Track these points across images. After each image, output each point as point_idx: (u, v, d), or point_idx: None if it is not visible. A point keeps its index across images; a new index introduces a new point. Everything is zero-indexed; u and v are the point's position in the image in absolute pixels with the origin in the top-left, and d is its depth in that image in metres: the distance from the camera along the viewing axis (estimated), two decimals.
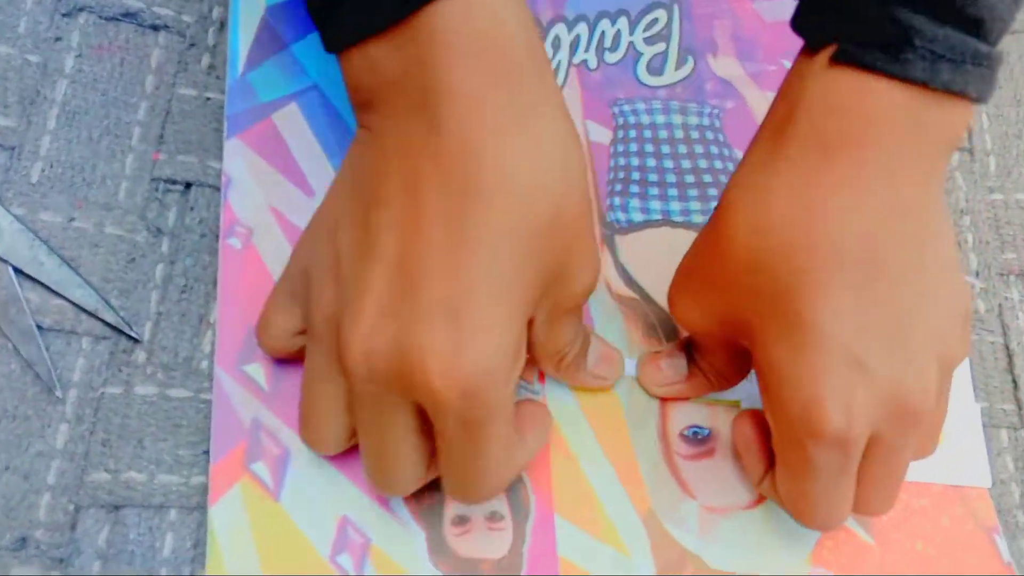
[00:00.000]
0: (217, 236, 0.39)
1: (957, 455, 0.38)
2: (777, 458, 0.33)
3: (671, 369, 0.38)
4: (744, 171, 0.32)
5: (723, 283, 0.32)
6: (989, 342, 0.42)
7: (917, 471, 0.37)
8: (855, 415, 0.29)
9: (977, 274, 0.44)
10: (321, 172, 0.40)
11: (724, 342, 0.35)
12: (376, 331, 0.29)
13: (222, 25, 0.44)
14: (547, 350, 0.34)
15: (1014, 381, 0.41)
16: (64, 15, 0.42)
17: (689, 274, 0.35)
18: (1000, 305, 0.43)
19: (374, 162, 0.31)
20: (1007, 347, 0.42)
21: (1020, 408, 0.41)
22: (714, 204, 0.38)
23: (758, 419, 0.35)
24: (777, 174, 0.30)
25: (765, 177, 0.31)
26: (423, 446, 0.32)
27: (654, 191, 0.42)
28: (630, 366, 0.38)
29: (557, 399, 0.38)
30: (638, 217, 0.42)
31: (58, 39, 0.42)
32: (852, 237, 0.29)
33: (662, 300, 0.40)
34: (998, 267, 0.44)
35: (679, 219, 0.42)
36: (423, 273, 0.29)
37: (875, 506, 0.33)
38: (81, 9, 0.43)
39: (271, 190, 0.39)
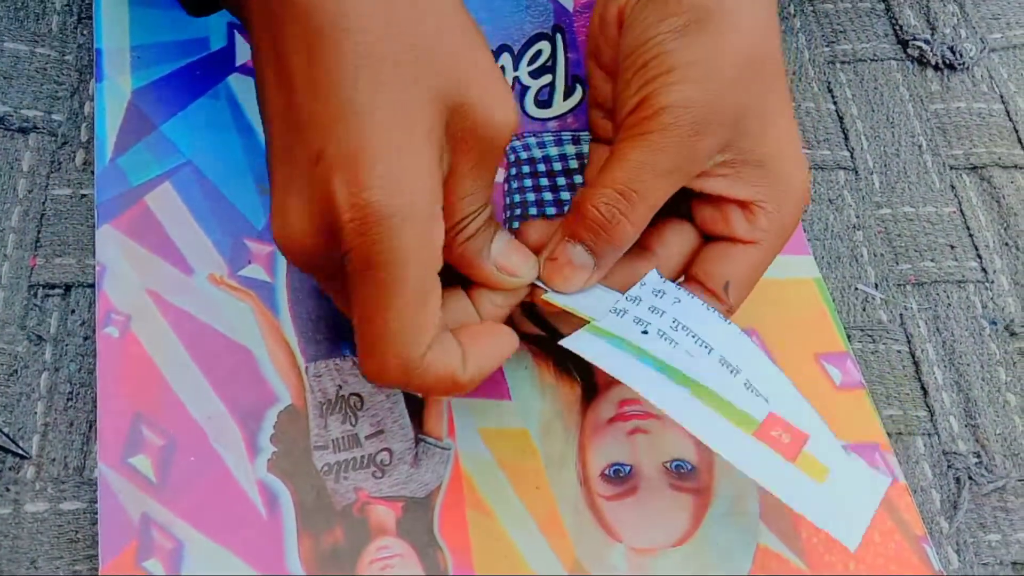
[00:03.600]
0: None
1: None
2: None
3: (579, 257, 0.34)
4: None
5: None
6: (896, 351, 0.42)
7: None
8: None
9: (877, 286, 0.44)
10: (199, 247, 0.39)
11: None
12: (286, 207, 0.29)
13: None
14: (445, 213, 0.31)
15: (923, 388, 0.42)
16: None
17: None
18: (901, 315, 0.44)
19: (255, 59, 0.31)
20: (912, 355, 0.43)
21: (932, 414, 0.41)
22: None
23: None
24: None
25: None
26: None
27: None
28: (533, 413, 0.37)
29: (469, 452, 0.36)
30: None
31: None
32: None
33: None
34: (895, 278, 0.45)
35: None
36: (303, 126, 0.29)
37: None
38: None
39: (147, 273, 0.38)
